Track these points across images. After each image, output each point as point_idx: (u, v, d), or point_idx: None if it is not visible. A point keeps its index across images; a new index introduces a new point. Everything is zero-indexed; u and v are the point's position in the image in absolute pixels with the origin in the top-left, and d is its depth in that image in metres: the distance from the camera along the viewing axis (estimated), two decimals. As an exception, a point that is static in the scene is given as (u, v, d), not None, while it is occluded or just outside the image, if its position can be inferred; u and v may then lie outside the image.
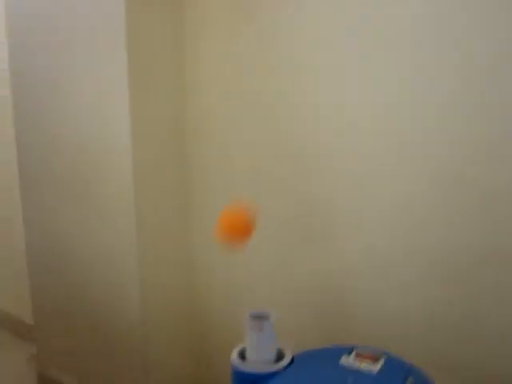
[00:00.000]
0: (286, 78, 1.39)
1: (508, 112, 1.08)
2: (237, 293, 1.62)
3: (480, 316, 1.16)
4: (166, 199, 1.63)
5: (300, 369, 1.06)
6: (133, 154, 1.50)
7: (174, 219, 1.67)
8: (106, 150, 1.57)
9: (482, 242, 1.14)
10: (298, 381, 1.01)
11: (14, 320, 2.53)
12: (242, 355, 1.12)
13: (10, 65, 1.84)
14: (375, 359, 1.06)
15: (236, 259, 1.59)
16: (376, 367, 1.03)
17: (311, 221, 1.41)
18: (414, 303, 1.26)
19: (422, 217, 1.22)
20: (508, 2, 1.05)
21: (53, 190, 1.78)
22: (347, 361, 1.06)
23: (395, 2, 1.18)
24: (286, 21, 1.36)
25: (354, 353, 1.09)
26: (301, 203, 1.42)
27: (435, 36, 1.14)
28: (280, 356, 1.11)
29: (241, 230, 1.12)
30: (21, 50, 1.78)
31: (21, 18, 1.75)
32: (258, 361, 1.08)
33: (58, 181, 1.75)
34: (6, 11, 1.79)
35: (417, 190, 1.22)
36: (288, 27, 1.36)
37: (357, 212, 1.32)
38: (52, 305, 1.90)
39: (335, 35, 1.29)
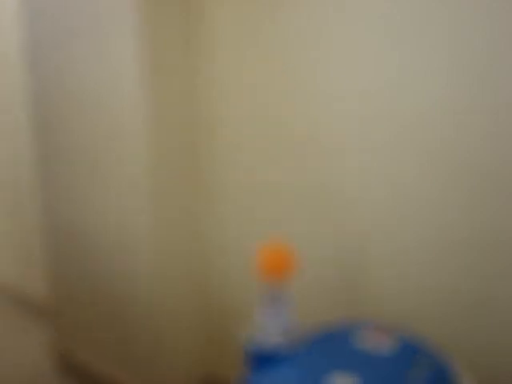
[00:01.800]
0: (299, 67, 1.39)
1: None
2: (250, 267, 1.64)
3: (500, 298, 1.17)
4: (180, 178, 1.65)
5: (310, 346, 1.08)
6: (148, 133, 1.52)
7: (188, 198, 1.69)
8: (119, 130, 1.60)
9: (499, 223, 1.15)
10: (308, 358, 1.03)
11: (32, 299, 2.57)
12: (254, 332, 1.14)
13: (25, 53, 1.86)
14: (385, 335, 1.07)
15: (249, 235, 1.60)
16: (386, 344, 1.04)
17: (322, 200, 1.42)
18: (431, 283, 1.27)
19: (435, 198, 1.23)
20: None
21: (67, 168, 1.81)
22: (357, 337, 1.08)
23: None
24: (306, 17, 1.37)
25: (363, 329, 1.10)
26: (312, 184, 1.43)
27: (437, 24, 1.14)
28: (292, 333, 1.13)
29: (282, 268, 1.11)
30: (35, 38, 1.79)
31: None
32: (270, 337, 1.10)
33: (71, 159, 1.79)
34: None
35: (428, 172, 1.23)
36: (307, 22, 1.37)
37: (366, 195, 1.33)
38: (69, 283, 1.94)
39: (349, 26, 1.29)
